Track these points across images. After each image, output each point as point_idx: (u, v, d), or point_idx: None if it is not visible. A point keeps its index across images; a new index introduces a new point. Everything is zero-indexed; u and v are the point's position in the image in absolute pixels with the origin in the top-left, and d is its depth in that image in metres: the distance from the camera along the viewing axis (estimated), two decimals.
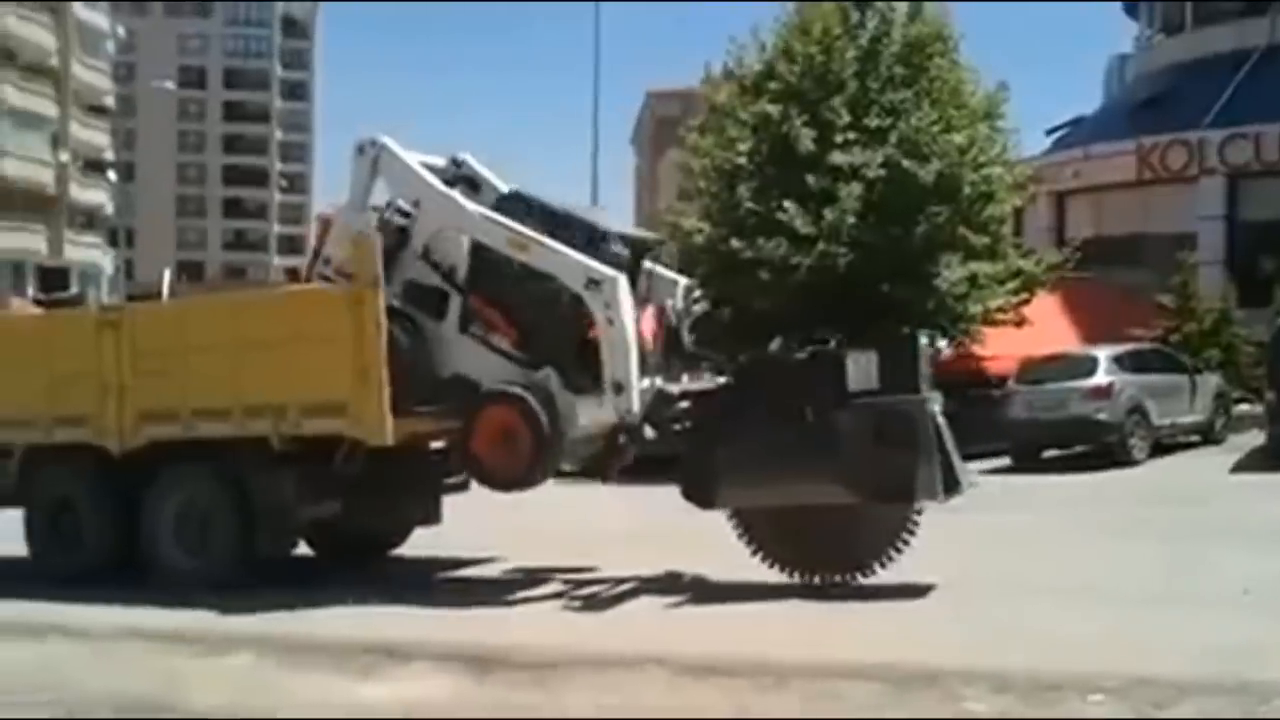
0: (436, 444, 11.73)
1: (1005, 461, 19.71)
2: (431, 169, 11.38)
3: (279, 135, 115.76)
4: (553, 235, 10.61)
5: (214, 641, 8.86)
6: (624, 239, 11.18)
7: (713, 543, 12.23)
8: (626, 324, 10.17)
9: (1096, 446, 19.18)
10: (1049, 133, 37.06)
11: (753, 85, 22.58)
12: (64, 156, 57.30)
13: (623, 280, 10.29)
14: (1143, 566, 10.38)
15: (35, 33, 55.02)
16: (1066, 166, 32.25)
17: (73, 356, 11.53)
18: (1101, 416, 18.86)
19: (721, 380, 11.02)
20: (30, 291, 46.07)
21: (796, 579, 10.07)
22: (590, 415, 10.27)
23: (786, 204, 20.35)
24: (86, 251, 60.23)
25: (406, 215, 10.93)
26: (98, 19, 63.04)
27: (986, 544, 12.11)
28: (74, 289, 52.35)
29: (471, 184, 11.49)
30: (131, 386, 11.13)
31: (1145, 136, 30.85)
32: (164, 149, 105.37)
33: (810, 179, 20.53)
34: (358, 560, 12.11)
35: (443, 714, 7.04)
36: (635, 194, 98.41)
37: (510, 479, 10.29)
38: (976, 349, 23.04)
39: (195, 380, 10.84)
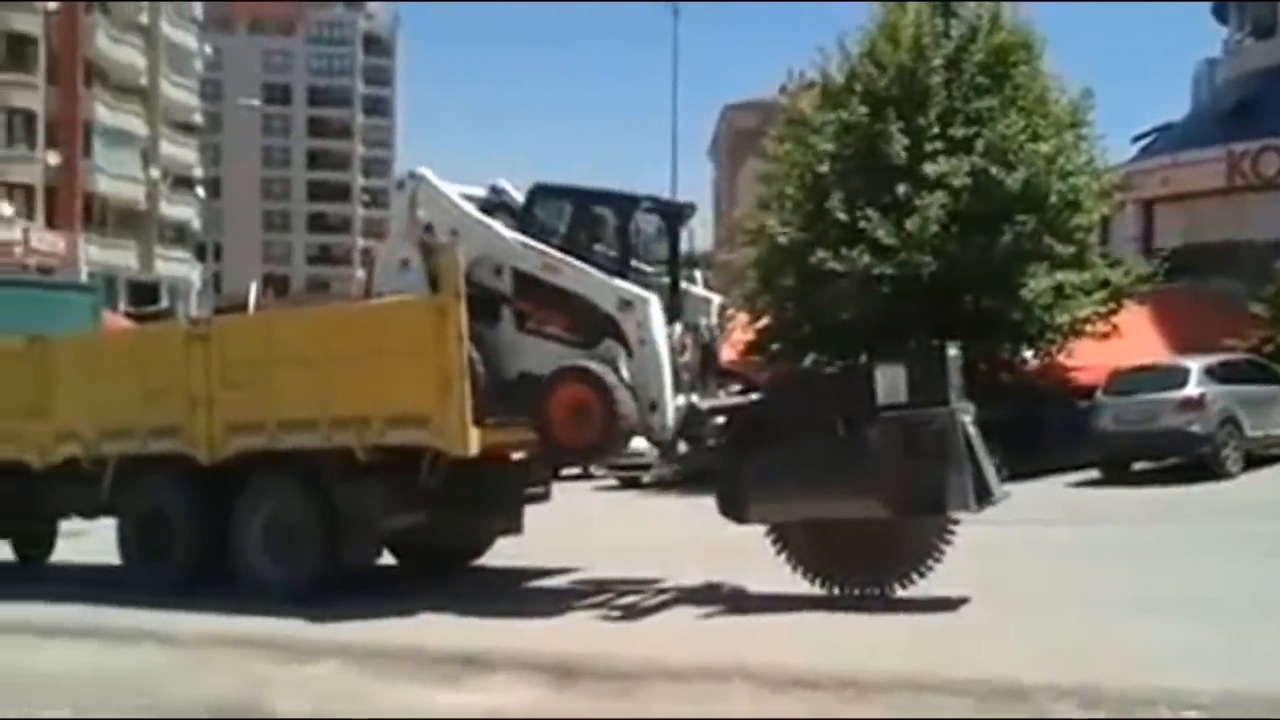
0: (517, 455, 11.80)
1: (1094, 474, 19.37)
2: (471, 199, 11.64)
3: (361, 151, 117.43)
4: (589, 218, 11.14)
5: (300, 649, 8.98)
6: (655, 201, 11.48)
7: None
8: (659, 342, 10.39)
9: (1188, 459, 18.75)
10: (1136, 139, 36.46)
11: (835, 93, 22.47)
12: (154, 173, 58.64)
13: (654, 300, 10.52)
14: (1234, 581, 10.12)
15: (126, 53, 56.41)
16: (1154, 174, 31.63)
17: (163, 369, 11.77)
18: (1193, 428, 18.44)
19: (754, 396, 11.03)
20: (121, 305, 47.18)
21: (834, 591, 10.10)
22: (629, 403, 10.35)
23: (870, 212, 20.22)
24: (175, 266, 61.51)
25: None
26: (186, 38, 64.47)
27: (1072, 557, 11.92)
28: (163, 303, 53.64)
29: (510, 211, 11.71)
30: (220, 398, 11.33)
31: (1235, 143, 30.18)
32: (250, 165, 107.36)
33: (901, 189, 20.38)
34: (440, 570, 12.20)
35: None
36: (713, 205, 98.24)
37: (589, 448, 10.55)
38: (1063, 360, 22.71)
39: (281, 392, 11.00)
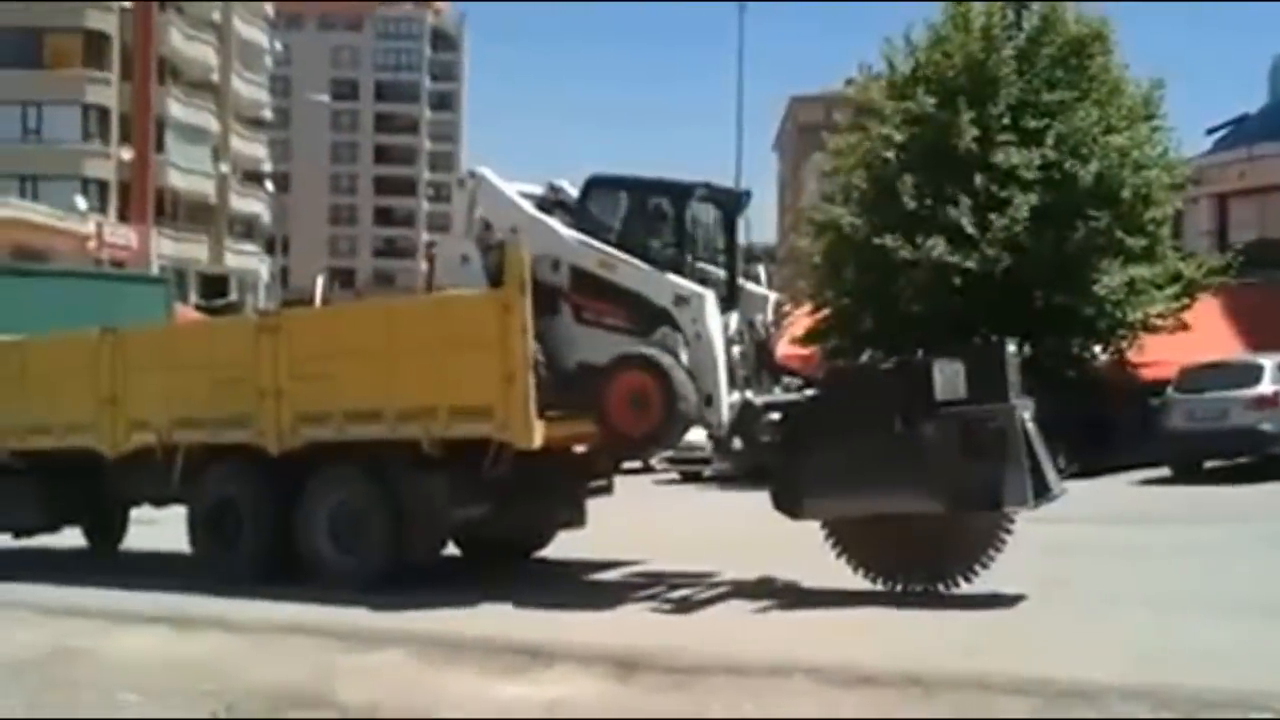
0: (580, 448, 11.83)
1: (1164, 472, 19.07)
2: (528, 196, 11.74)
3: (428, 145, 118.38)
4: (644, 209, 11.18)
5: (365, 638, 9.05)
6: (710, 189, 11.39)
7: None
8: (715, 338, 10.39)
9: (1260, 458, 18.40)
10: (1210, 132, 35.80)
11: (904, 83, 22.30)
12: (224, 168, 59.53)
13: (710, 296, 10.51)
14: None
15: (199, 50, 57.32)
16: (1229, 167, 31.07)
17: (234, 361, 11.92)
18: (1266, 427, 18.11)
19: (810, 391, 11.00)
20: (192, 298, 47.95)
21: (891, 588, 10.04)
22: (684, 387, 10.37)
23: (959, 201, 19.99)
24: (245, 259, 62.43)
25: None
26: (257, 35, 65.35)
27: (1141, 556, 11.73)
28: (232, 296, 54.46)
29: (567, 208, 11.74)
30: (288, 390, 11.45)
31: None
32: (318, 160, 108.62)
33: (979, 179, 20.17)
34: (503, 562, 12.27)
35: (585, 715, 7.07)
36: (778, 198, 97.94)
37: (648, 437, 10.47)
38: (1134, 356, 22.39)
39: (349, 384, 11.09)
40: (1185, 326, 22.00)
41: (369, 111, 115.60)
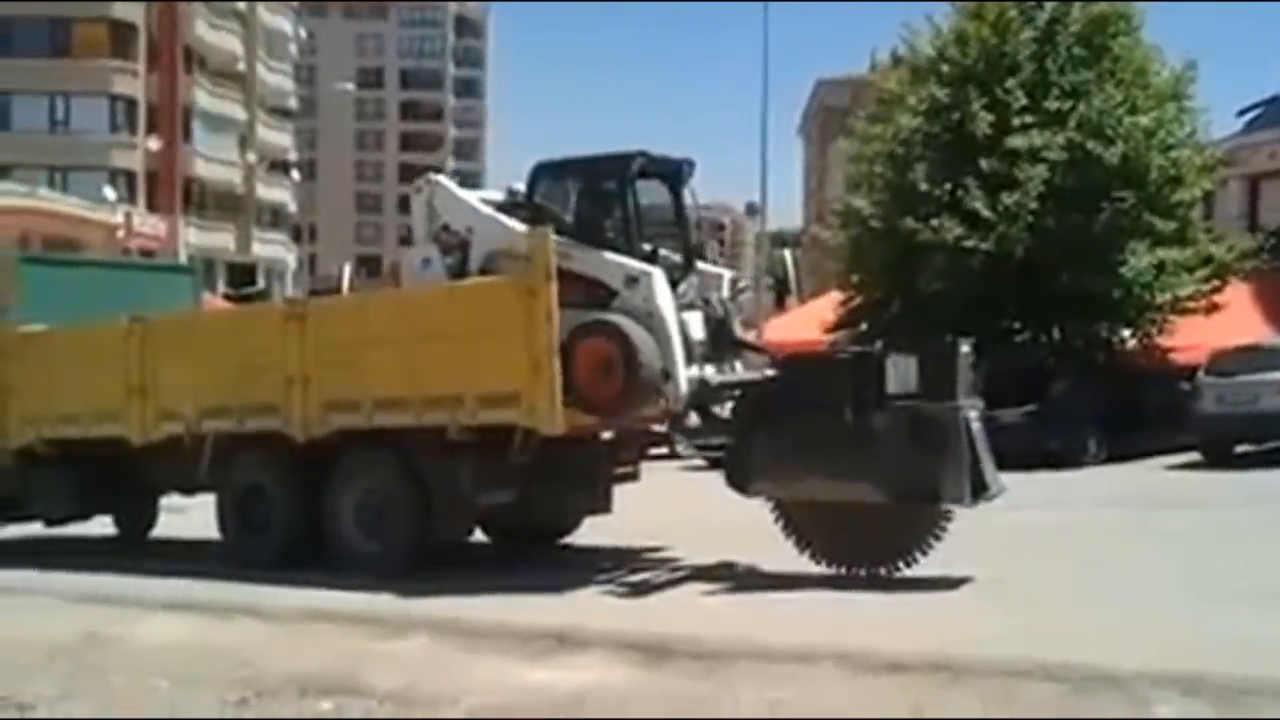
0: (607, 434, 11.83)
1: (1194, 457, 18.93)
2: (489, 202, 12.04)
3: (453, 132, 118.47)
4: (590, 191, 11.39)
5: (392, 624, 9.09)
6: (649, 159, 11.34)
7: None
8: (667, 315, 10.51)
9: None
10: (1241, 113, 35.40)
11: (924, 71, 22.24)
12: (251, 157, 59.77)
13: (658, 273, 10.64)
14: None
15: (225, 39, 57.53)
16: (1261, 148, 30.74)
17: (261, 349, 11.98)
18: None
19: (769, 373, 11.08)
20: (220, 287, 48.20)
21: (831, 569, 10.22)
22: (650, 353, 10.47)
23: (966, 182, 19.96)
24: (272, 248, 62.71)
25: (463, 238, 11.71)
26: (282, 23, 65.52)
27: (1171, 541, 11.66)
28: (259, 284, 54.69)
29: (523, 207, 11.81)
30: (316, 378, 11.49)
31: None
32: (343, 148, 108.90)
33: (985, 163, 20.11)
34: (529, 548, 12.29)
35: (613, 701, 7.07)
36: (804, 182, 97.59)
37: (615, 400, 10.47)
38: (1164, 340, 22.22)
39: (375, 372, 11.13)
40: (1216, 309, 21.81)
41: (394, 99, 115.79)
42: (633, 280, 10.64)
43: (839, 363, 10.94)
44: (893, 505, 9.76)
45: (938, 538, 9.91)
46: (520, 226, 11.24)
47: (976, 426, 9.78)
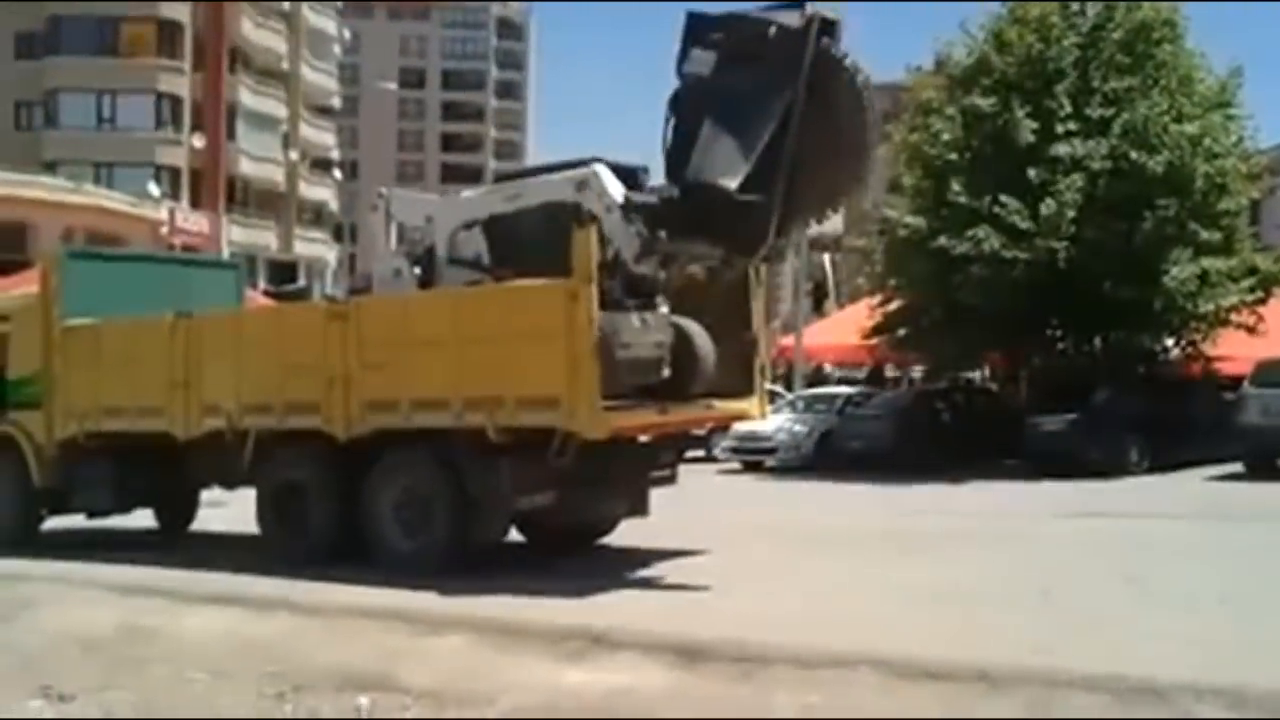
0: (644, 438, 11.82)
1: (1238, 468, 18.72)
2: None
3: (494, 134, 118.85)
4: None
5: (429, 622, 9.12)
6: (603, 161, 11.29)
7: (914, 543, 12.00)
8: (618, 200, 10.72)
9: None
10: None
11: (961, 79, 22.08)
12: (293, 155, 60.14)
13: (601, 167, 10.92)
14: None
15: (269, 38, 57.97)
16: None
17: (303, 347, 12.04)
18: None
19: None
20: (261, 284, 48.52)
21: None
22: (633, 334, 10.62)
23: (1004, 198, 19.80)
24: (313, 246, 63.09)
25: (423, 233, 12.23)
26: (326, 23, 65.94)
27: (1214, 553, 11.53)
28: (300, 282, 55.01)
29: None
30: (357, 377, 11.55)
31: None
32: (385, 147, 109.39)
33: (1031, 172, 19.94)
34: (566, 549, 12.30)
35: (648, 704, 7.06)
36: None
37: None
38: (1208, 350, 21.99)
39: (416, 372, 11.16)
40: (1260, 320, 21.56)
41: (436, 100, 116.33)
42: (584, 184, 10.89)
43: None
44: None
45: None
46: (472, 191, 11.78)
47: None
